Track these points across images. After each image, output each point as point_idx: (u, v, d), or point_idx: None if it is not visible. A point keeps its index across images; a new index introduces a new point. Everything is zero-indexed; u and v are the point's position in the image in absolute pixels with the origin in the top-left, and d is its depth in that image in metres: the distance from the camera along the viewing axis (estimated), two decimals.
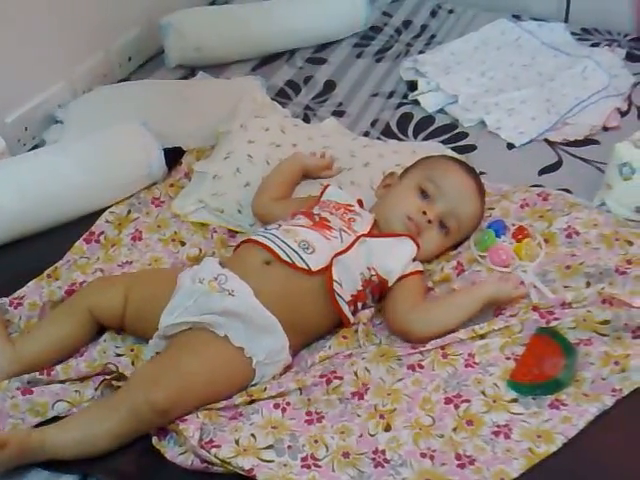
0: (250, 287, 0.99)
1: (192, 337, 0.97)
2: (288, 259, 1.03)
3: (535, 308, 1.03)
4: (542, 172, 1.36)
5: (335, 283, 1.03)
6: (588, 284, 1.05)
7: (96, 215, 1.22)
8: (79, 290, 1.08)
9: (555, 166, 1.37)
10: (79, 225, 1.21)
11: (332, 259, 1.04)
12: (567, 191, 1.26)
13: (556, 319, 1.01)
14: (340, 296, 1.04)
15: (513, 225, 1.16)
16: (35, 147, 1.41)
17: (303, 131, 1.36)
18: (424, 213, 1.11)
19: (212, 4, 1.85)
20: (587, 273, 1.06)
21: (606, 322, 0.99)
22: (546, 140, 1.43)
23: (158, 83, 1.55)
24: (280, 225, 1.10)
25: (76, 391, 0.97)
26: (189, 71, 1.63)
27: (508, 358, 0.98)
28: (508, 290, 1.05)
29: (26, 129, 1.41)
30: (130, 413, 0.89)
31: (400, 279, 1.08)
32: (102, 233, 1.20)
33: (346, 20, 1.73)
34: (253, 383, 0.98)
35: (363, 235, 1.09)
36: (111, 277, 1.12)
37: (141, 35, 1.65)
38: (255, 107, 1.38)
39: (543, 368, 0.95)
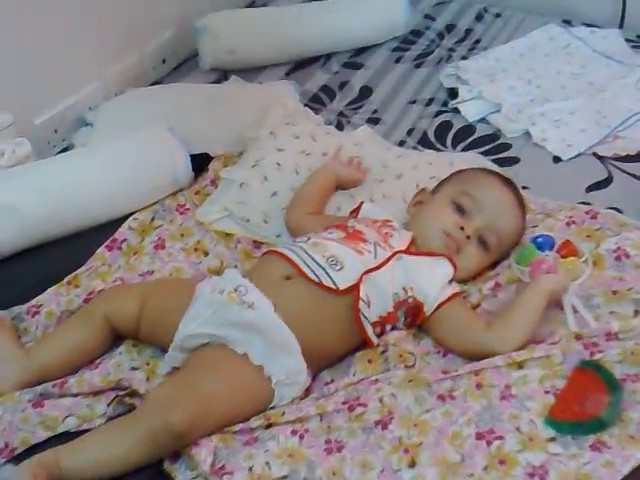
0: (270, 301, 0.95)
1: (210, 354, 0.94)
2: (314, 276, 0.98)
3: (578, 337, 0.95)
4: (590, 189, 1.29)
5: (361, 302, 0.97)
6: (636, 312, 0.97)
7: (120, 221, 1.19)
8: (95, 297, 1.06)
9: (605, 182, 1.30)
10: (102, 231, 1.18)
11: (362, 276, 0.98)
12: (617, 210, 1.18)
13: (600, 351, 0.93)
14: (365, 317, 0.98)
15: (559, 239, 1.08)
16: (64, 150, 1.39)
17: (335, 139, 1.31)
18: (461, 229, 1.05)
19: (250, 6, 1.82)
20: (636, 300, 0.98)
21: None
22: (595, 154, 1.35)
23: (190, 87, 1.52)
24: (309, 238, 1.05)
25: (88, 406, 0.95)
26: (222, 74, 1.60)
27: (547, 392, 0.90)
28: (560, 280, 1.00)
29: (56, 131, 1.40)
30: (147, 436, 0.85)
31: (442, 305, 1.01)
32: (125, 240, 1.17)
33: (385, 23, 1.68)
34: (271, 406, 0.94)
35: (400, 251, 1.03)
36: (128, 284, 1.10)
37: (176, 37, 1.63)
38: (286, 113, 1.34)
39: (585, 405, 0.88)
